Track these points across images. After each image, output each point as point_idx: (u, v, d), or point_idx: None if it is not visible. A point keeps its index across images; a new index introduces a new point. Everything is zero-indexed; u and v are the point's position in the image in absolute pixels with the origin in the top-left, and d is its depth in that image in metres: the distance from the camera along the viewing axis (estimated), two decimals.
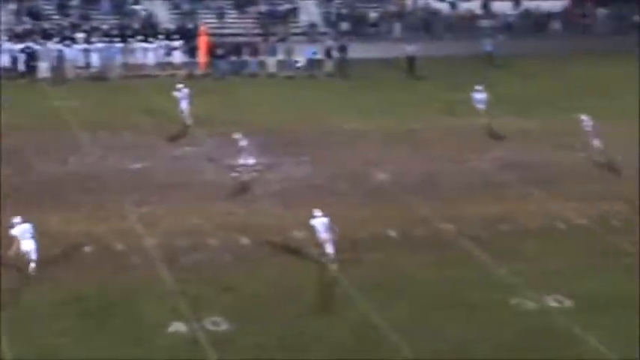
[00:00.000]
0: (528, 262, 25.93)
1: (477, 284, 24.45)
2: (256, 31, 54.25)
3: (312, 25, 57.01)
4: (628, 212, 29.57)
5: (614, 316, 22.70)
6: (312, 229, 25.30)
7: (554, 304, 23.36)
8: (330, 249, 25.15)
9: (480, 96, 38.16)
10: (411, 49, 49.40)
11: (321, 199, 30.39)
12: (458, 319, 22.51)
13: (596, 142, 34.00)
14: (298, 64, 49.24)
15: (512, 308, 23.20)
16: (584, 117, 34.46)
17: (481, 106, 37.87)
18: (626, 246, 26.97)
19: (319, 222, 25.19)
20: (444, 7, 60.40)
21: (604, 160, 33.82)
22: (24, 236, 23.94)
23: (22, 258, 23.98)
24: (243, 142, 31.80)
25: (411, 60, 48.99)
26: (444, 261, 25.96)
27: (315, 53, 49.90)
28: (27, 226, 24.06)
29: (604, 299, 23.51)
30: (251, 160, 31.79)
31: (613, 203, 30.34)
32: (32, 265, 24.09)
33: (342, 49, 50.16)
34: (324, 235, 25.09)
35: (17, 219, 24.22)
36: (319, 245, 25.23)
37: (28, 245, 23.96)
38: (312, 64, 49.41)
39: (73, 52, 47.62)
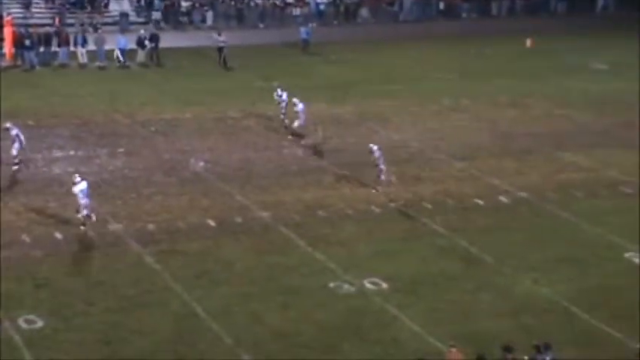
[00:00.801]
0: (345, 246, 26.46)
1: (295, 270, 24.80)
2: (63, 20, 52.90)
3: (124, 15, 56.10)
4: (439, 194, 30.58)
5: (426, 296, 23.55)
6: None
7: (370, 286, 23.93)
8: (85, 212, 26.43)
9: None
10: (220, 39, 49.24)
11: (137, 190, 30.15)
12: (278, 305, 22.77)
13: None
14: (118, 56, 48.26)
15: (330, 291, 23.65)
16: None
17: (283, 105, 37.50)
18: (437, 227, 27.89)
19: (79, 188, 26.35)
20: None
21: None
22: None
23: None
24: (14, 132, 30.99)
25: (220, 50, 48.80)
26: (263, 248, 26.18)
27: (125, 43, 49.06)
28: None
29: (417, 281, 24.30)
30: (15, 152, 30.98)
31: (425, 186, 31.32)
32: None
33: (154, 38, 49.57)
34: (84, 200, 26.37)
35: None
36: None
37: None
38: (124, 53, 48.56)
39: None
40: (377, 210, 29.30)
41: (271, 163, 33.14)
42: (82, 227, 26.84)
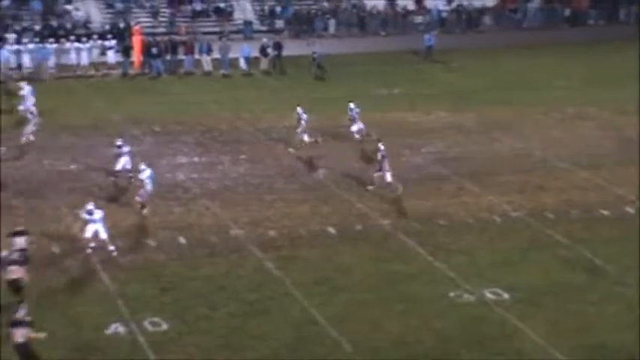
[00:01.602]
0: (465, 255, 26.21)
1: (415, 278, 24.68)
2: (191, 29, 53.97)
3: (248, 23, 56.90)
4: (562, 204, 30.03)
5: (548, 307, 23.10)
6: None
7: (491, 296, 23.64)
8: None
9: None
10: (313, 49, 49.38)
11: (259, 196, 30.49)
12: (398, 313, 22.71)
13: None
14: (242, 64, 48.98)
15: (450, 301, 23.45)
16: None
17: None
18: (559, 237, 27.38)
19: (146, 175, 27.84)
20: (379, 4, 60.63)
21: None
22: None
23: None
24: (125, 149, 31.31)
25: (314, 60, 48.78)
26: (382, 256, 26.15)
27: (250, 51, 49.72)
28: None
29: (539, 291, 23.89)
30: (128, 166, 31.05)
31: (548, 195, 30.81)
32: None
33: (278, 46, 50.13)
34: (149, 187, 27.99)
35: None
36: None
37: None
38: (248, 61, 49.22)
39: (3, 53, 46.90)
40: (498, 219, 28.94)
41: (393, 171, 33.03)
42: (143, 211, 28.10)
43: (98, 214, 25.76)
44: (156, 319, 22.12)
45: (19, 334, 19.42)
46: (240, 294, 23.67)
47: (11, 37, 49.22)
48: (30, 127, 35.35)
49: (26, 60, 47.35)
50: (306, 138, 34.52)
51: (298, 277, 24.63)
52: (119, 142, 31.12)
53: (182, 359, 20.67)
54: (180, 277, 24.57)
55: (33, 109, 36.97)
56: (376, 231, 27.98)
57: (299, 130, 34.84)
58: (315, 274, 24.90)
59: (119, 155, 30.91)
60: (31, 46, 47.98)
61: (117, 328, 21.70)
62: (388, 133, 37.21)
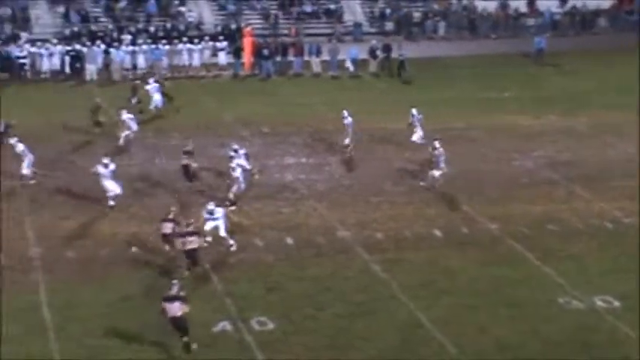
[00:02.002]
0: (575, 261, 25.82)
1: (523, 283, 24.42)
2: (299, 31, 54.38)
3: (357, 25, 57.03)
4: None
5: None
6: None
7: (601, 303, 23.23)
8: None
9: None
10: (400, 52, 49.13)
11: (366, 198, 30.55)
12: (504, 318, 22.50)
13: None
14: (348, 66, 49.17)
15: (559, 307, 23.13)
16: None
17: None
18: None
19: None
20: (490, 6, 60.07)
21: None
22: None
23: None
24: (241, 151, 31.38)
25: (402, 63, 48.59)
26: (489, 260, 25.94)
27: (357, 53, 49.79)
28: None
29: None
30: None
31: None
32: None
33: (387, 48, 50.13)
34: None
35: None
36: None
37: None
38: (355, 63, 49.33)
39: (119, 54, 48.03)
40: (610, 225, 28.41)
41: (500, 175, 32.79)
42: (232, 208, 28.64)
43: (219, 212, 26.37)
44: (263, 319, 22.37)
45: (176, 308, 20.56)
46: (346, 295, 23.76)
47: (127, 38, 50.35)
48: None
49: (141, 61, 48.38)
50: (417, 139, 34.50)
51: (404, 279, 24.61)
52: (235, 147, 31.05)
53: (288, 359, 20.87)
54: (287, 277, 24.80)
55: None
56: (483, 235, 27.77)
57: (416, 131, 34.83)
58: (421, 276, 24.85)
59: (233, 158, 30.93)
60: (145, 47, 49.00)
61: (224, 326, 22.03)
62: (497, 137, 36.98)
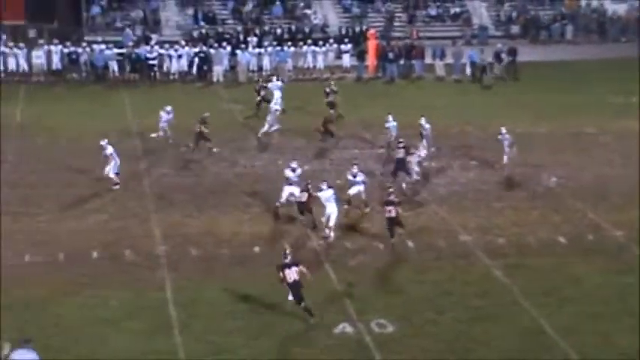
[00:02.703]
0: None
1: None
2: (420, 33, 54.29)
3: (483, 28, 56.58)
4: None
5: None
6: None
7: None
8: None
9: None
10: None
11: (488, 203, 30.28)
12: (629, 327, 21.99)
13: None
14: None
15: None
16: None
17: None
18: None
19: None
20: (620, 9, 58.81)
21: None
22: (328, 200, 27.24)
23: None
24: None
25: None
26: (615, 268, 25.39)
27: (479, 56, 49.32)
28: (330, 192, 27.39)
29: None
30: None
31: None
32: (327, 231, 27.03)
33: (512, 52, 49.60)
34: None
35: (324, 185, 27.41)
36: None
37: (331, 208, 27.23)
38: (481, 67, 48.92)
39: (245, 56, 48.73)
40: None
41: (628, 181, 32.05)
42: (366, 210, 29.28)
43: (360, 176, 28.57)
44: (382, 321, 22.39)
45: (294, 273, 21.96)
46: (466, 299, 23.61)
47: (253, 40, 51.08)
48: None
49: (266, 62, 49.02)
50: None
51: (526, 285, 24.30)
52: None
53: None
54: (408, 281, 24.78)
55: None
56: (609, 242, 27.21)
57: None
58: (544, 283, 24.49)
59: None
60: (270, 49, 49.62)
61: (344, 327, 22.13)
62: (625, 142, 36.19)
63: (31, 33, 52.43)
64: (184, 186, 31.80)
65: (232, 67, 48.75)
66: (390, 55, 49.24)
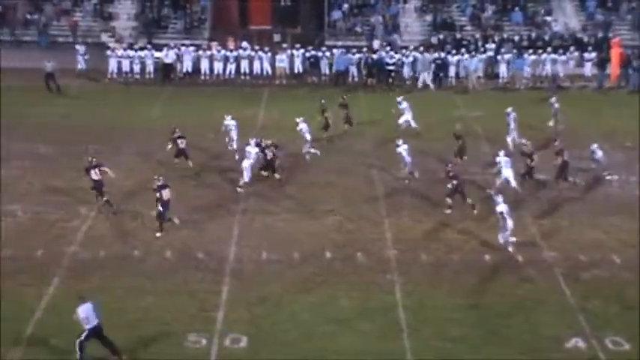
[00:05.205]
0: None
1: None
2: None
3: None
4: None
5: None
6: None
7: None
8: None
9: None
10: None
11: None
12: None
13: None
14: None
15: None
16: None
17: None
18: None
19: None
20: None
21: None
22: (506, 166, 30.48)
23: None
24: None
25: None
26: None
27: None
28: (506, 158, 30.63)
29: None
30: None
31: None
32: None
33: None
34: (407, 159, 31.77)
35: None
36: None
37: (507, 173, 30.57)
38: None
39: (473, 63, 48.24)
40: None
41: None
42: (406, 181, 31.57)
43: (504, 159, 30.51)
44: (617, 339, 21.74)
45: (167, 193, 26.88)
46: None
47: (490, 47, 50.65)
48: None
49: (503, 69, 48.47)
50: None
51: None
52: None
53: None
54: None
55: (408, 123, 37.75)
56: None
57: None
58: None
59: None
60: (507, 56, 49.02)
61: (577, 342, 21.63)
62: None
63: (276, 37, 54.19)
64: (416, 191, 31.82)
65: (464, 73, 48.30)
66: (635, 64, 47.52)
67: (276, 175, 32.17)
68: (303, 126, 34.76)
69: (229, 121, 35.68)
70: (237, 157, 33.56)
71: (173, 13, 56.24)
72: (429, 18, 55.48)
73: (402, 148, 32.36)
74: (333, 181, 32.78)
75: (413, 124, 37.94)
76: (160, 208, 27.58)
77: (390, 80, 47.98)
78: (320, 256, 26.53)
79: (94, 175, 29.38)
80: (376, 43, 51.58)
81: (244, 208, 30.10)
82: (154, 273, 25.30)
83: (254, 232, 28.26)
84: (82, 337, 20.53)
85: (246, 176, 31.27)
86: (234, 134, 35.44)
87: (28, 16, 55.57)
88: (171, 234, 27.72)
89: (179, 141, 33.39)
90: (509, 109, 36.08)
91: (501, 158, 31.25)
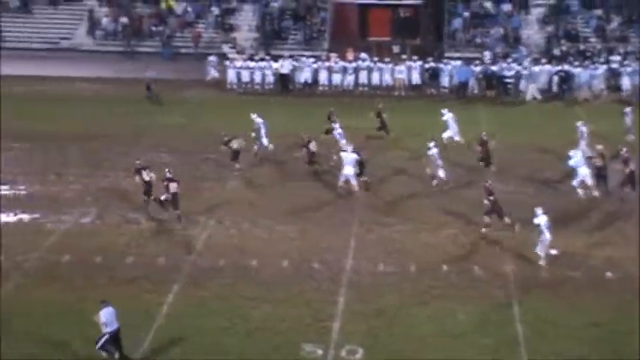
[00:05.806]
0: None
1: None
2: None
3: None
4: None
5: None
6: None
7: None
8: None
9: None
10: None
11: None
12: None
13: None
14: None
15: None
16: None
17: None
18: None
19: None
20: None
21: None
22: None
23: None
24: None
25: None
26: None
27: None
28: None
29: None
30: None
31: None
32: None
33: None
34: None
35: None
36: None
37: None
38: None
39: (585, 75, 47.19)
40: None
41: None
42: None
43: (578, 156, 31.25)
44: None
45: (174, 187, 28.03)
46: None
47: (615, 59, 49.58)
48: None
49: (626, 82, 47.35)
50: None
51: None
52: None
53: None
54: None
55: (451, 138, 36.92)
56: None
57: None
58: None
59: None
60: (629, 69, 47.89)
61: None
62: None
63: (395, 49, 54.14)
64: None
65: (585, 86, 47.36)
66: None
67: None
68: (434, 151, 32.72)
69: (257, 119, 36.03)
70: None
71: (293, 24, 56.77)
72: (550, 29, 54.65)
73: (433, 152, 32.07)
74: (449, 192, 32.51)
75: (456, 137, 37.00)
76: (164, 197, 29.36)
77: (507, 93, 47.38)
78: (436, 269, 26.38)
79: (146, 176, 30.09)
80: (488, 55, 50.96)
81: (361, 219, 30.14)
82: (270, 282, 25.56)
83: (370, 245, 28.26)
84: (102, 342, 21.23)
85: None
86: (262, 132, 35.78)
87: (153, 28, 56.90)
88: (288, 244, 27.97)
89: (310, 145, 33.91)
90: (579, 123, 35.38)
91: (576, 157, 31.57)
